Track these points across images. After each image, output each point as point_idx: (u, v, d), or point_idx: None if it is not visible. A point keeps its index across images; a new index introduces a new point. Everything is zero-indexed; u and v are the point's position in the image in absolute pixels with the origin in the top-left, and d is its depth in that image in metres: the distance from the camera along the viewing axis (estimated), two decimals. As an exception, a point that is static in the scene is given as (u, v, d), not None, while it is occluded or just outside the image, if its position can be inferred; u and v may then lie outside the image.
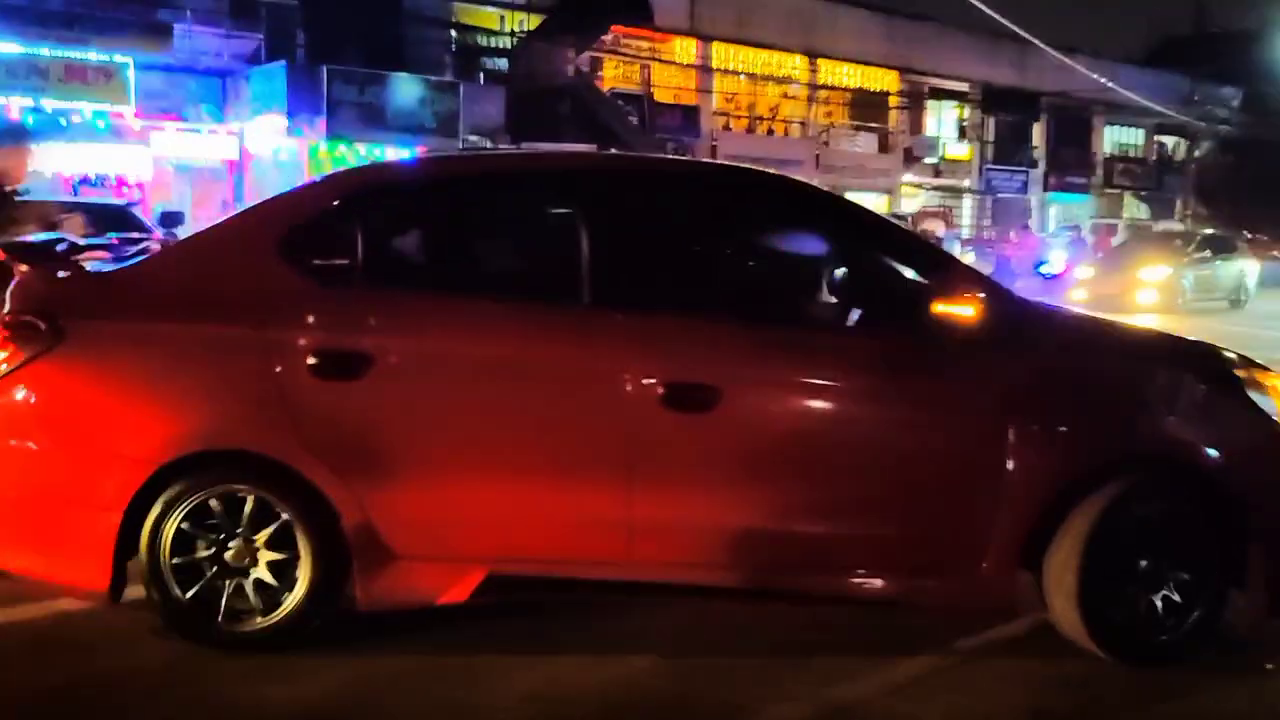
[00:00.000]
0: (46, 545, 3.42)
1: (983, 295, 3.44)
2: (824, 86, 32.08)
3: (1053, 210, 38.64)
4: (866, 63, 32.48)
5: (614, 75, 27.74)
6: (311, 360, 3.30)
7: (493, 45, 24.46)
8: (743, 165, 4.42)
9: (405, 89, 19.78)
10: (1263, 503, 3.50)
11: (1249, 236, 33.75)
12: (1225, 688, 3.54)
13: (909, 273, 3.65)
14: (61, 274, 3.56)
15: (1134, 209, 40.29)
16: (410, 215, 3.88)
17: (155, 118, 18.89)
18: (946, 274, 3.59)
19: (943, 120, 36.07)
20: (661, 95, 28.12)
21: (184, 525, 3.31)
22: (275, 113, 19.11)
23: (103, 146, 18.03)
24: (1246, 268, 21.66)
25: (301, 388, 3.30)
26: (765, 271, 4.09)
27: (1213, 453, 3.52)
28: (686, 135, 26.72)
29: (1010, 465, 3.36)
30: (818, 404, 3.49)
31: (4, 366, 3.30)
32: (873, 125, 33.70)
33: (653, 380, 3.28)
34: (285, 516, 3.32)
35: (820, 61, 31.57)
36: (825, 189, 4.58)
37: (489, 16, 24.71)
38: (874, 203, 33.45)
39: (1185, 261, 20.07)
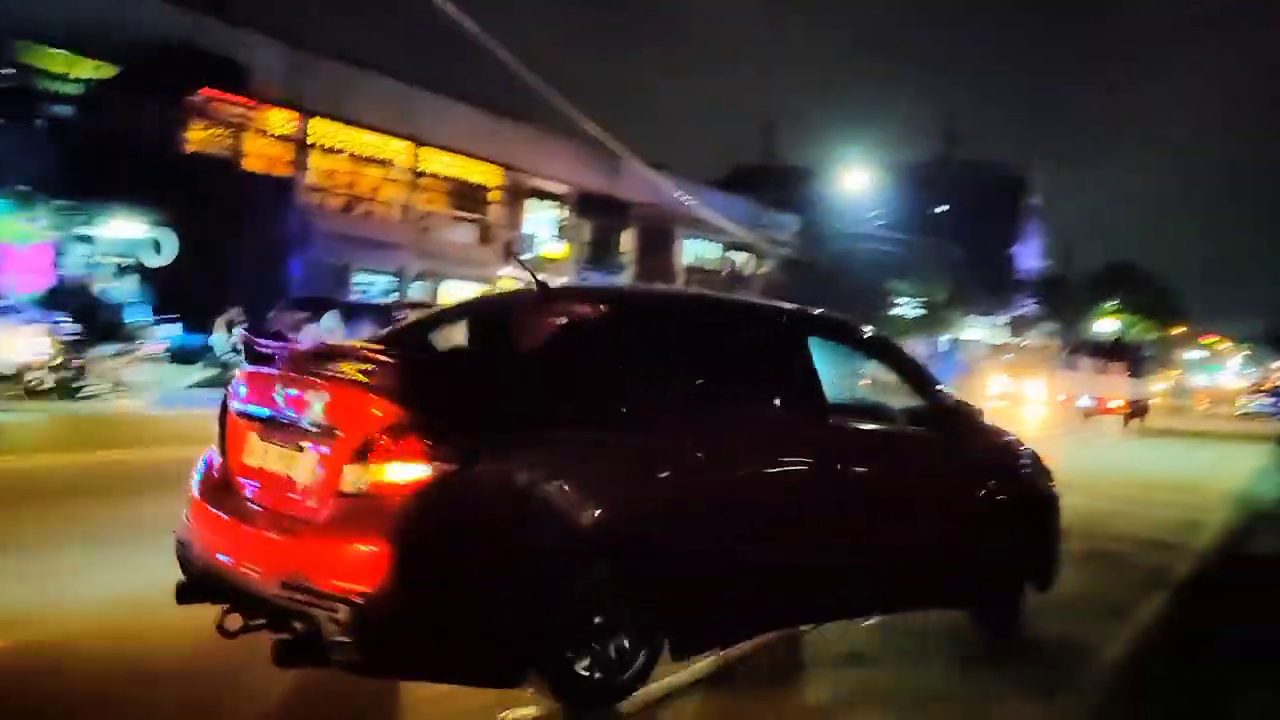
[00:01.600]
0: None
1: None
2: (425, 174, 32.13)
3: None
4: (470, 155, 33.01)
5: (201, 139, 25.96)
6: None
7: (57, 91, 22.02)
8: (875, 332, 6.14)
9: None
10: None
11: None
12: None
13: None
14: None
15: (708, 316, 43.76)
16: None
17: None
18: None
19: (541, 219, 37.35)
20: (254, 164, 26.72)
21: None
22: None
23: None
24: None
25: None
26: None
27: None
28: (278, 208, 25.47)
29: None
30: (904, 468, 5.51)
31: None
32: (473, 216, 34.19)
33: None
34: None
35: (424, 149, 31.62)
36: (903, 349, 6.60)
37: (57, 59, 22.33)
38: (475, 292, 33.81)
39: None
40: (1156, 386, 41.98)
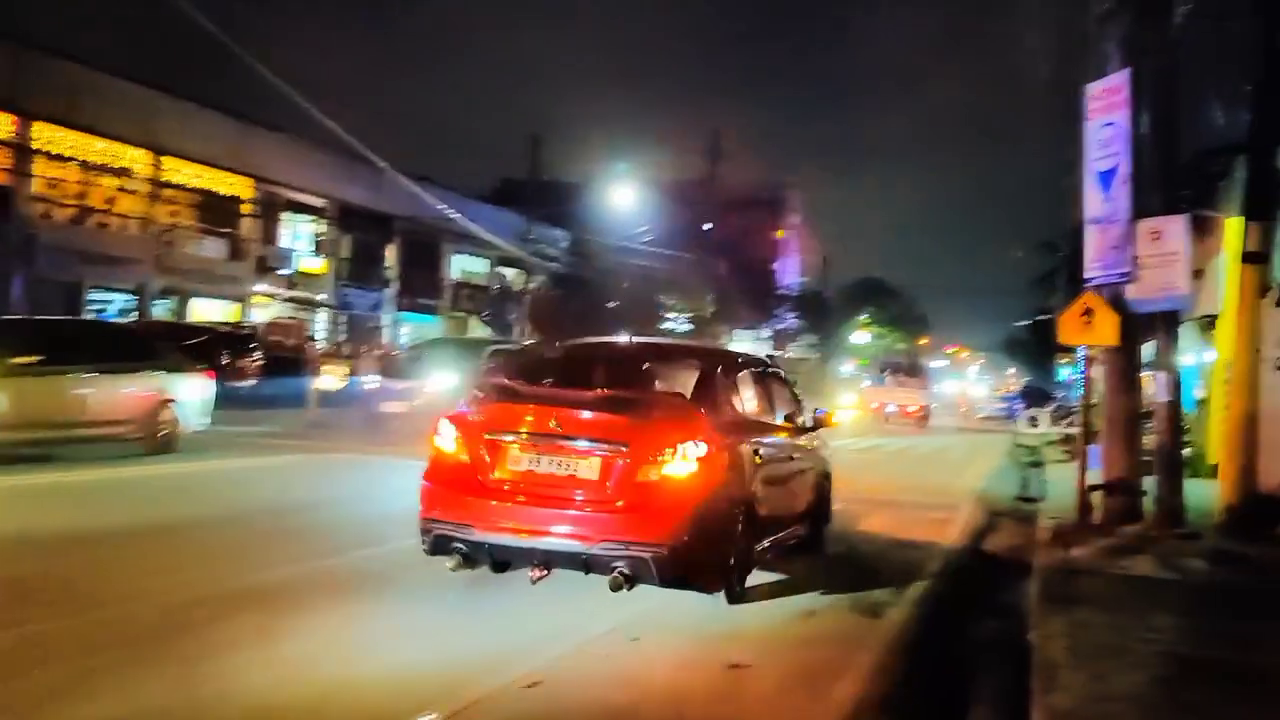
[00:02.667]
0: None
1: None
2: (168, 185, 29.95)
3: (404, 328, 39.92)
4: (217, 166, 31.09)
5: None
6: None
7: None
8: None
9: None
10: None
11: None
12: None
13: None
14: None
15: (479, 331, 43.14)
16: None
17: None
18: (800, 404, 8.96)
19: (298, 232, 35.69)
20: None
21: None
22: None
23: None
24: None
25: None
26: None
27: None
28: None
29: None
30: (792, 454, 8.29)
31: None
32: (223, 230, 32.19)
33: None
34: None
35: (166, 159, 29.51)
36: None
37: None
38: (224, 311, 31.84)
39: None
40: (936, 395, 53.47)
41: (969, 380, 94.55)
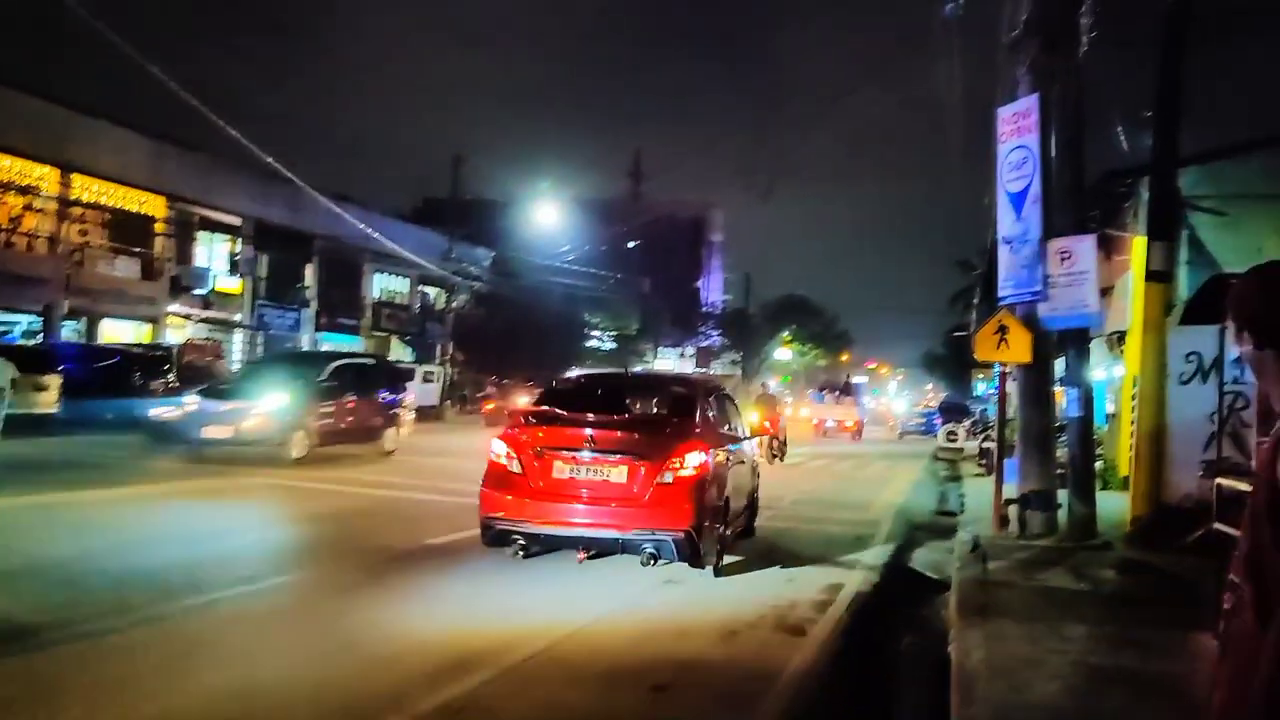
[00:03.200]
0: None
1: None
2: (78, 203, 29.11)
3: (325, 349, 39.33)
4: (130, 183, 30.32)
5: None
6: None
7: None
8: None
9: None
10: None
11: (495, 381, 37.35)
12: None
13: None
14: None
15: (401, 351, 42.67)
16: None
17: None
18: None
19: (214, 252, 34.94)
20: None
21: None
22: None
23: None
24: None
25: None
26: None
27: None
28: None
29: None
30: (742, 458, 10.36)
31: None
32: (136, 249, 31.37)
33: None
34: None
35: (76, 176, 28.68)
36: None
37: None
38: (136, 331, 31.03)
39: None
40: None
41: (889, 396, 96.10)
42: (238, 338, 35.36)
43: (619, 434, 8.38)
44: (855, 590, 8.53)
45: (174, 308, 32.55)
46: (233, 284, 35.01)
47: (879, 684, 5.98)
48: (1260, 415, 10.16)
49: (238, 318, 35.16)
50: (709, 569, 8.33)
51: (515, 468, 8.32)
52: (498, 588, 7.86)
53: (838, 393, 49.28)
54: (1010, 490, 11.17)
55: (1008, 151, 10.82)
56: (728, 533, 9.03)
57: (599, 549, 8.28)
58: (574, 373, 23.49)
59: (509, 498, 8.18)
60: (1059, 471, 11.33)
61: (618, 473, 8.12)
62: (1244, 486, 7.97)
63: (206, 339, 32.00)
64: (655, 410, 10.30)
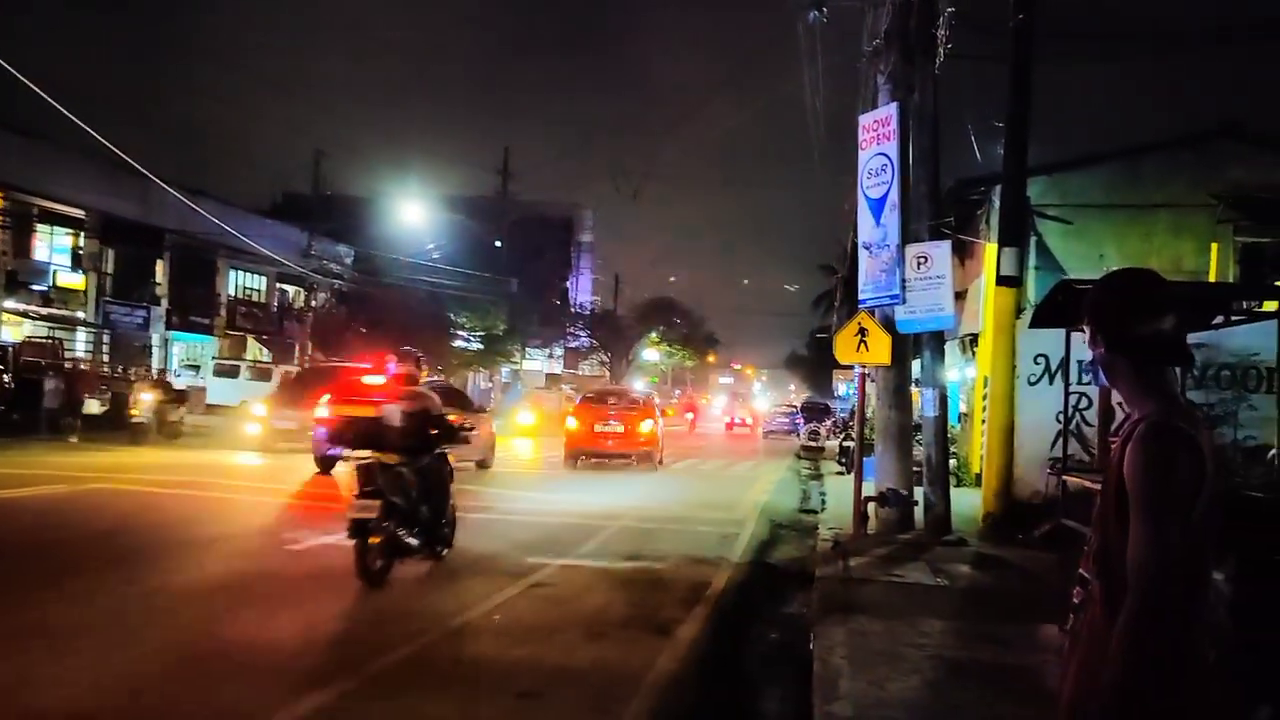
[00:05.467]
0: None
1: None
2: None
3: (176, 348, 37.75)
4: (-41, 172, 28.46)
5: None
6: None
7: None
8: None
9: None
10: None
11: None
12: None
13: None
14: None
15: (257, 351, 41.25)
16: None
17: None
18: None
19: (55, 246, 33.09)
20: None
21: None
22: None
23: None
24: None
25: None
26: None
27: None
28: None
29: None
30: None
31: None
32: (-34, 242, 29.44)
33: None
34: None
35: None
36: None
37: None
38: (-32, 329, 29.11)
39: None
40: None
41: (754, 396, 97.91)
42: (81, 336, 33.59)
43: (623, 409, 21.96)
44: (721, 589, 8.60)
45: (10, 304, 30.70)
46: (76, 280, 33.22)
47: (744, 683, 6.03)
48: (1102, 414, 10.71)
49: (81, 315, 33.39)
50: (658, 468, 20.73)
51: (579, 425, 21.03)
52: (362, 591, 7.63)
53: (740, 397, 68.70)
54: (870, 488, 11.45)
55: (869, 158, 11.10)
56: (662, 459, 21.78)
57: (622, 461, 21.16)
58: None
59: (578, 439, 20.94)
60: (916, 469, 11.69)
61: (623, 427, 21.03)
62: (1089, 483, 8.35)
63: (47, 338, 30.29)
64: (638, 401, 23.72)
